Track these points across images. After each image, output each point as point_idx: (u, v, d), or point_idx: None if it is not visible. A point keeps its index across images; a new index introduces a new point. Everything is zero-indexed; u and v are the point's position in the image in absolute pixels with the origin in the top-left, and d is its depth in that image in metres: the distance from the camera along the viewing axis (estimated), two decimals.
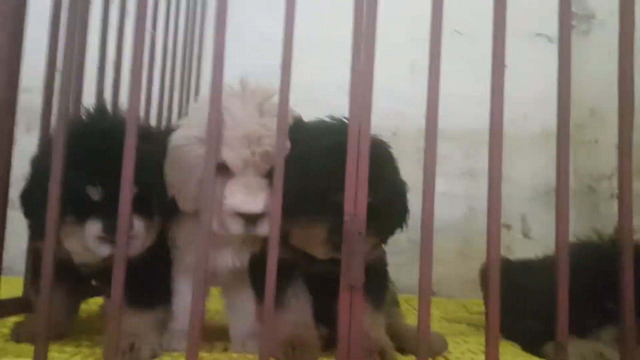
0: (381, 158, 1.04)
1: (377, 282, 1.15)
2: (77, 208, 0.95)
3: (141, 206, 0.96)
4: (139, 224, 0.97)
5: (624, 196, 0.92)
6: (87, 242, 0.96)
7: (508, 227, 2.46)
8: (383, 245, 1.16)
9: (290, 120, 0.95)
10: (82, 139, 0.96)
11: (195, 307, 0.84)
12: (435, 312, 1.93)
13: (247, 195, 0.94)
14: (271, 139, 0.93)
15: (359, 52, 0.87)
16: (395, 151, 2.51)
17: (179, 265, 1.09)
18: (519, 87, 2.44)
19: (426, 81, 0.89)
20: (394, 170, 1.09)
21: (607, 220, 2.18)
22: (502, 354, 0.86)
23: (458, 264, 2.42)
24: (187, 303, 0.87)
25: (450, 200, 2.41)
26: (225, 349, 1.08)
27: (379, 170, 0.99)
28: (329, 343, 1.08)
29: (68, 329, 1.14)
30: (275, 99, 0.89)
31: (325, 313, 1.08)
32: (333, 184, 0.90)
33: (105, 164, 0.91)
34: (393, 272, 2.44)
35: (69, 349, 1.03)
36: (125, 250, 0.85)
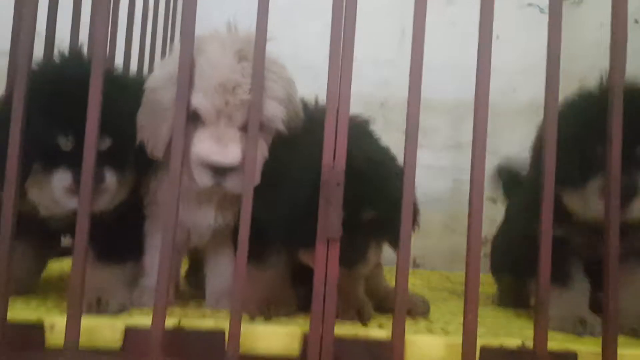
0: (384, 169, 0.98)
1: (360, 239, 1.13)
2: (46, 157, 0.90)
3: (115, 159, 0.92)
4: (110, 177, 0.93)
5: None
6: (54, 193, 0.91)
7: (494, 200, 2.44)
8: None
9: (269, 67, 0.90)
10: (55, 85, 0.91)
11: (162, 261, 0.81)
12: (418, 282, 1.93)
13: (216, 146, 0.88)
14: (247, 87, 0.88)
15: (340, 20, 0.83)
16: (383, 122, 2.48)
17: (155, 221, 1.04)
18: (508, 58, 2.42)
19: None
20: (397, 177, 0.99)
21: None
22: (481, 316, 0.85)
23: (443, 237, 2.40)
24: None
25: (436, 173, 2.39)
26: (199, 307, 1.05)
27: (381, 182, 0.94)
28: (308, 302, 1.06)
29: (33, 286, 1.10)
30: None
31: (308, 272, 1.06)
32: None
33: (78, 112, 0.84)
34: None
35: (33, 303, 1.00)
36: (88, 201, 0.81)
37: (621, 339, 0.86)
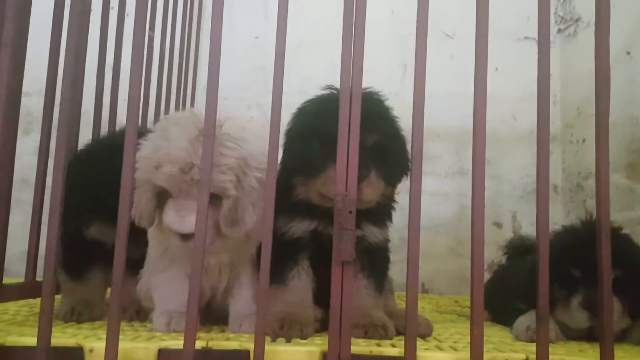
0: (378, 102, 1.16)
1: (380, 266, 1.23)
2: None
3: None
4: None
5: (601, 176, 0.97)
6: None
7: (499, 225, 2.51)
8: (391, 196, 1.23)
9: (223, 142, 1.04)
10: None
11: (192, 286, 0.89)
12: (427, 306, 1.98)
13: (177, 216, 1.03)
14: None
15: (349, 49, 0.93)
16: None
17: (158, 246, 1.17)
18: (508, 88, 2.53)
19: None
20: (391, 114, 1.18)
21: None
22: (487, 335, 0.91)
23: (450, 261, 2.46)
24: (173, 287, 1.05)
25: (441, 200, 2.46)
26: (223, 331, 1.13)
27: (378, 111, 1.11)
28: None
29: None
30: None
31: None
32: None
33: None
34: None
35: (70, 330, 1.10)
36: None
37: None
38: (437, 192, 2.48)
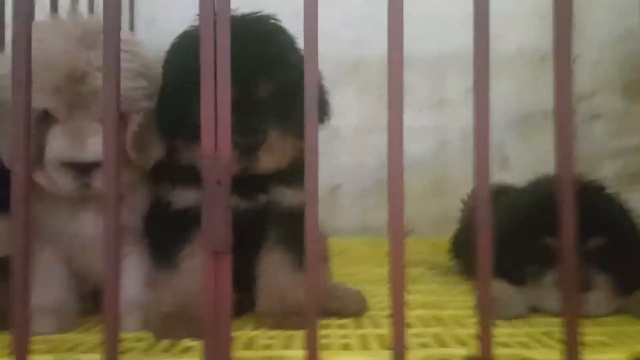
0: (272, 32, 0.88)
1: (299, 236, 1.01)
2: None
3: None
4: None
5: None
6: None
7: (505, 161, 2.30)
8: None
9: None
10: None
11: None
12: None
13: (73, 142, 0.78)
14: (99, 75, 0.73)
15: None
16: (357, 85, 2.29)
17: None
18: (491, 4, 2.22)
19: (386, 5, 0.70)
20: (294, 47, 0.89)
21: (586, 143, 2.02)
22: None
23: (429, 201, 2.27)
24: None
25: (418, 135, 2.23)
26: None
27: (277, 51, 0.84)
28: (241, 308, 0.95)
29: None
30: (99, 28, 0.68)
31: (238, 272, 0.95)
32: None
33: None
34: (360, 214, 2.33)
35: None
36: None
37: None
38: (413, 126, 2.23)
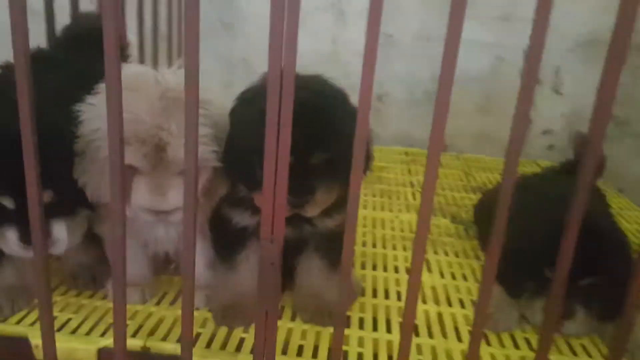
0: (334, 101, 0.90)
1: (335, 245, 1.05)
2: None
3: (59, 207, 0.91)
4: (58, 228, 0.92)
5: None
6: (10, 247, 0.91)
7: (538, 81, 2.22)
8: None
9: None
10: None
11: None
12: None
13: (156, 194, 0.90)
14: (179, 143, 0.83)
15: None
16: None
17: None
18: None
19: None
20: (351, 116, 0.86)
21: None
22: None
23: (474, 119, 2.25)
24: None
25: (476, 49, 2.13)
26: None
27: (334, 120, 0.87)
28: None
29: None
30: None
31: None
32: None
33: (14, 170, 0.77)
34: (406, 124, 2.32)
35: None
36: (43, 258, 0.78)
37: None
38: (472, 40, 2.14)
